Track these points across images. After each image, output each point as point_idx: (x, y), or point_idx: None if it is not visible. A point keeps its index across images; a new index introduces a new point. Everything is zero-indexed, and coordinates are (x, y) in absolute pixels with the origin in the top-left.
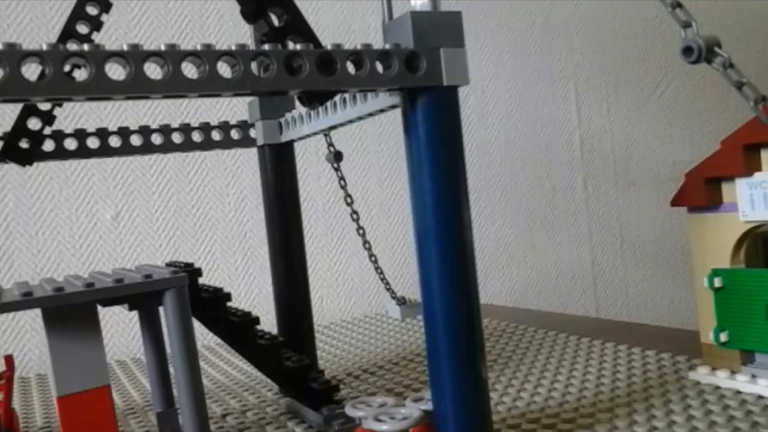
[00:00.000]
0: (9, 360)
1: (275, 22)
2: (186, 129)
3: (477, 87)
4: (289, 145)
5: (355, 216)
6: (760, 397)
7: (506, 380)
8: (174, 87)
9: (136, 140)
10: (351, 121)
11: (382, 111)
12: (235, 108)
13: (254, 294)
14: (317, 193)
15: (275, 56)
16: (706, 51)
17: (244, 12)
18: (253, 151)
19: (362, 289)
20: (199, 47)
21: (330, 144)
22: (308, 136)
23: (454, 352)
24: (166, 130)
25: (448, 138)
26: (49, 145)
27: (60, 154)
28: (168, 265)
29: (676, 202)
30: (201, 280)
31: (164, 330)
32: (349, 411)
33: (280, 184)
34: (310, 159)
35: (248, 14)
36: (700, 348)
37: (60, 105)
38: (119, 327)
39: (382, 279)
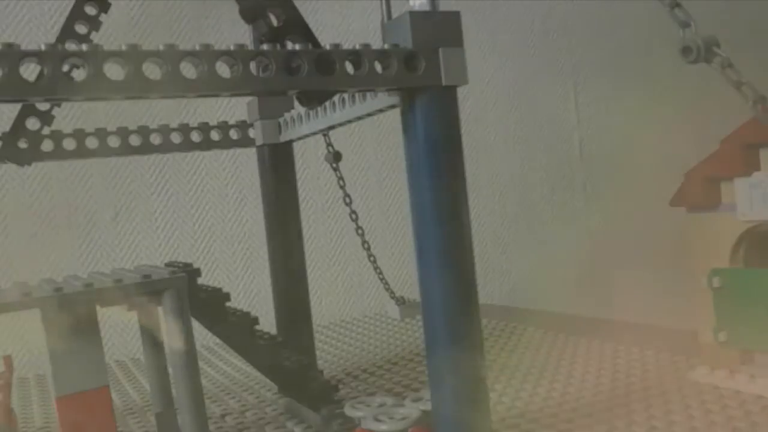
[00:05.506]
0: (8, 360)
1: (274, 22)
2: (185, 129)
3: (476, 87)
4: (288, 145)
5: (353, 216)
6: (760, 396)
7: (505, 380)
8: (173, 87)
9: (135, 140)
10: (350, 121)
11: (381, 111)
12: (234, 108)
13: (254, 294)
14: (316, 192)
15: (274, 56)
16: (705, 51)
17: (242, 12)
18: (252, 151)
19: (361, 289)
20: (197, 47)
21: (329, 144)
22: (307, 136)
23: (453, 352)
24: (165, 130)
25: (447, 138)
26: (47, 146)
27: (59, 154)
28: (167, 265)
29: (675, 201)
30: (200, 280)
31: (163, 330)
32: (349, 411)
33: (279, 184)
34: (309, 159)
35: (247, 14)
36: (699, 348)
37: (59, 105)
38: (119, 327)
39: (381, 279)
